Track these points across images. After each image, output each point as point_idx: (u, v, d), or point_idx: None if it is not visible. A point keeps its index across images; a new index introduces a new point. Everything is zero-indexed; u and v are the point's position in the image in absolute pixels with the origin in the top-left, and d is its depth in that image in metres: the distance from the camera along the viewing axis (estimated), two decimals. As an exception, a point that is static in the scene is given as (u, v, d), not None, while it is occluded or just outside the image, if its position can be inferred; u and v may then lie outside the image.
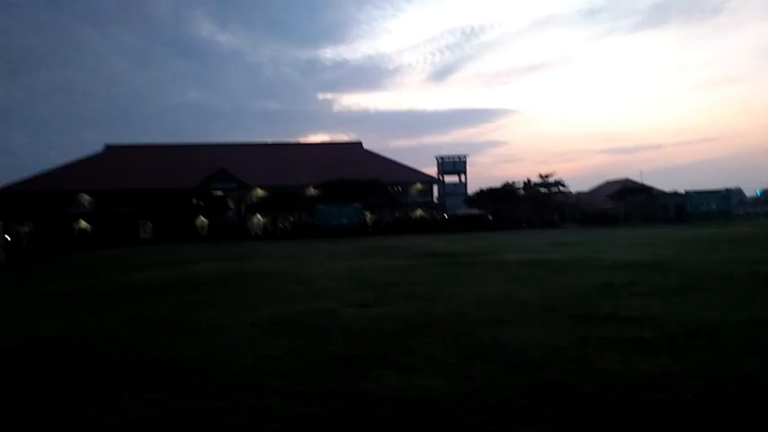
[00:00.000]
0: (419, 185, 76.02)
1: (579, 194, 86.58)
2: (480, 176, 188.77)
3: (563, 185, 73.25)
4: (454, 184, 79.92)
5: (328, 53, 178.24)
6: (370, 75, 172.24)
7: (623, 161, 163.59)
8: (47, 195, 64.67)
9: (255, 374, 5.12)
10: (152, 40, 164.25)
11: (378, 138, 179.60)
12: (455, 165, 79.73)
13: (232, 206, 68.46)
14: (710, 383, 4.32)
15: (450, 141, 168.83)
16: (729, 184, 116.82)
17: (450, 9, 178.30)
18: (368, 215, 65.39)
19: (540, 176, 73.06)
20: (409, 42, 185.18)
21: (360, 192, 61.83)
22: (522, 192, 73.16)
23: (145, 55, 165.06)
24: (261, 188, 69.52)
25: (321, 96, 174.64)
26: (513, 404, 4.09)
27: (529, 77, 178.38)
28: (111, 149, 75.65)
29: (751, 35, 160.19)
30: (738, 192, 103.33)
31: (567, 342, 5.86)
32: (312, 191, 66.87)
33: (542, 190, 72.85)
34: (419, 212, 72.88)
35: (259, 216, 68.74)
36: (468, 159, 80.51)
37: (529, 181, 73.64)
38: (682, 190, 70.60)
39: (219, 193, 66.80)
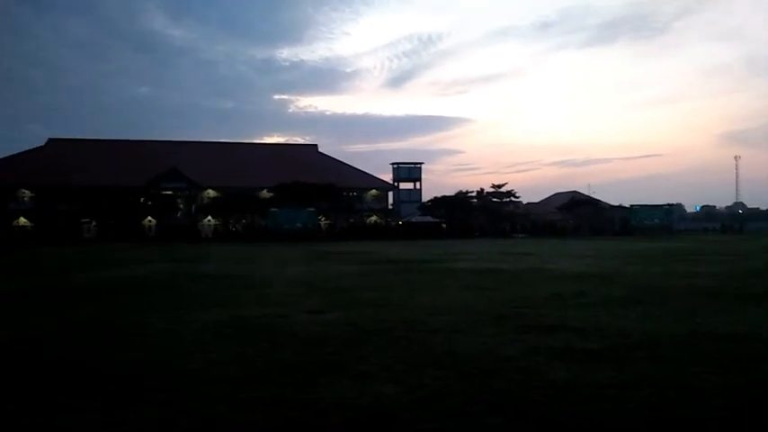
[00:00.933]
0: (374, 191, 76.16)
1: (530, 205, 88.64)
2: (435, 184, 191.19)
3: (515, 196, 74.90)
4: (409, 191, 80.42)
5: (285, 53, 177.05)
6: (327, 77, 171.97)
7: (572, 174, 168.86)
8: (-17, 189, 61.48)
9: (203, 380, 4.98)
10: (102, 31, 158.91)
11: (334, 141, 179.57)
12: (410, 172, 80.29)
13: (182, 207, 66.79)
14: (653, 394, 4.47)
15: (405, 148, 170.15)
16: (672, 199, 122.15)
17: (408, 16, 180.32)
18: (322, 220, 65.03)
19: (493, 186, 74.49)
20: (367, 47, 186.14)
21: (315, 195, 61.41)
22: (475, 201, 74.36)
23: (93, 46, 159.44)
24: (213, 189, 68.08)
25: (277, 97, 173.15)
26: (465, 412, 4.12)
27: (484, 87, 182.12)
28: (54, 143, 72.52)
29: (695, 55, 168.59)
30: (680, 207, 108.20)
31: (517, 351, 5.95)
32: (266, 193, 65.98)
33: (495, 200, 74.26)
34: (374, 218, 73.00)
35: (210, 218, 67.30)
36: (423, 167, 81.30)
37: (482, 190, 74.96)
38: (627, 204, 73.34)
39: (169, 192, 65.06)
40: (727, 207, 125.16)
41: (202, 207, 67.07)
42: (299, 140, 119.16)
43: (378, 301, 9.87)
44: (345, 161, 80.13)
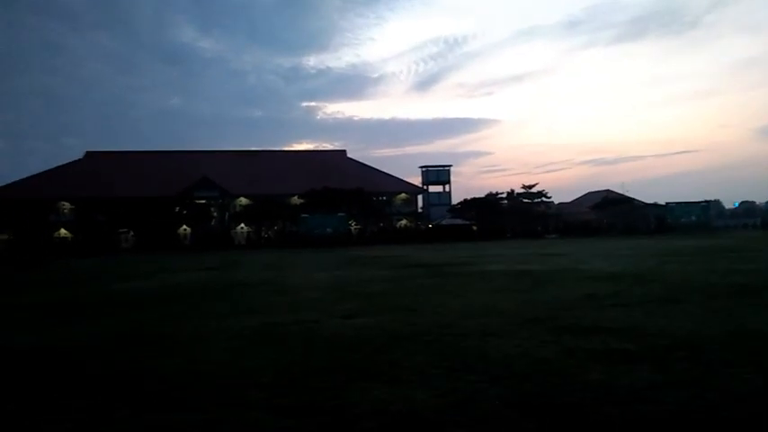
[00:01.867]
0: (403, 195, 76.16)
1: (561, 205, 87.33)
2: (464, 186, 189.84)
3: (546, 196, 73.91)
4: (438, 194, 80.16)
5: (311, 61, 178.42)
6: (353, 83, 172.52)
7: (605, 172, 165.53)
8: (25, 203, 63.65)
9: (238, 387, 5.05)
10: (133, 45, 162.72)
11: (362, 146, 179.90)
12: (439, 174, 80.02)
13: (215, 215, 67.97)
14: (692, 395, 4.36)
15: (433, 151, 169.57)
16: (708, 196, 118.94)
17: (434, 19, 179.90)
18: (352, 225, 65.32)
19: (524, 187, 73.67)
20: (393, 51, 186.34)
21: (344, 201, 61.76)
22: (505, 202, 73.64)
23: (126, 60, 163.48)
24: (244, 197, 69.10)
25: (305, 104, 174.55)
26: (499, 416, 4.09)
27: (511, 88, 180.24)
28: (91, 156, 74.70)
29: (727, 49, 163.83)
30: (717, 204, 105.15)
31: (551, 353, 5.88)
32: (296, 199, 66.64)
33: (525, 200, 73.41)
34: (404, 222, 72.97)
35: (243, 225, 68.29)
36: (451, 169, 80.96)
37: (512, 191, 74.21)
38: (662, 201, 71.69)
39: (202, 201, 66.29)
40: (767, 202, 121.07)
41: (235, 215, 68.14)
42: (328, 146, 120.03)
43: (409, 306, 9.86)
44: (374, 166, 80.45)
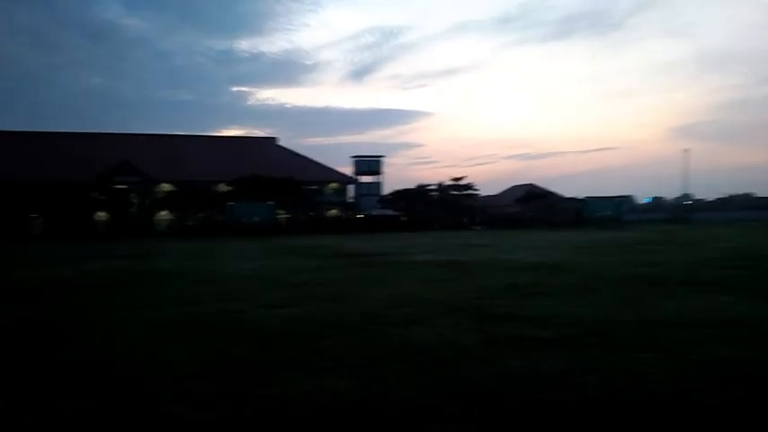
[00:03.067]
0: (334, 185, 75.81)
1: (488, 198, 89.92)
2: (396, 177, 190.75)
3: (473, 189, 75.83)
4: (369, 185, 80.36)
5: (244, 45, 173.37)
6: (286, 69, 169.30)
7: (529, 167, 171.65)
8: None
9: (156, 378, 4.88)
10: (53, 20, 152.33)
11: (293, 134, 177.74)
12: (371, 165, 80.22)
13: (135, 201, 64.99)
14: (603, 380, 4.62)
15: (366, 141, 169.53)
16: (623, 191, 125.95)
17: (370, 8, 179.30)
18: (281, 214, 64.40)
19: (453, 179, 75.22)
20: (328, 39, 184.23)
21: (273, 189, 60.70)
22: (435, 194, 74.94)
23: (42, 36, 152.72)
24: (167, 183, 66.48)
25: (235, 89, 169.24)
26: (421, 403, 4.17)
27: (444, 81, 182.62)
28: (-2, 136, 69.37)
29: (649, 51, 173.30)
30: (631, 199, 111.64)
31: (473, 341, 6.06)
32: (224, 187, 64.86)
33: (454, 193, 75.01)
34: (334, 212, 72.73)
35: (165, 212, 65.73)
36: (383, 160, 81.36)
37: (441, 183, 75.60)
38: (581, 196, 75.24)
39: (122, 186, 63.20)
40: (676, 198, 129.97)
41: (157, 202, 65.44)
42: (258, 133, 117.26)
43: (336, 295, 9.86)
44: (305, 154, 79.44)
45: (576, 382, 4.57)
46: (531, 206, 76.83)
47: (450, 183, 75.30)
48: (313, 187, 71.91)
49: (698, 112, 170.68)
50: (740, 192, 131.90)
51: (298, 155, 79.41)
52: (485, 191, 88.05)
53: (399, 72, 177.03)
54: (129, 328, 7.29)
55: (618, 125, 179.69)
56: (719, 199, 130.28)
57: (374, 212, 68.71)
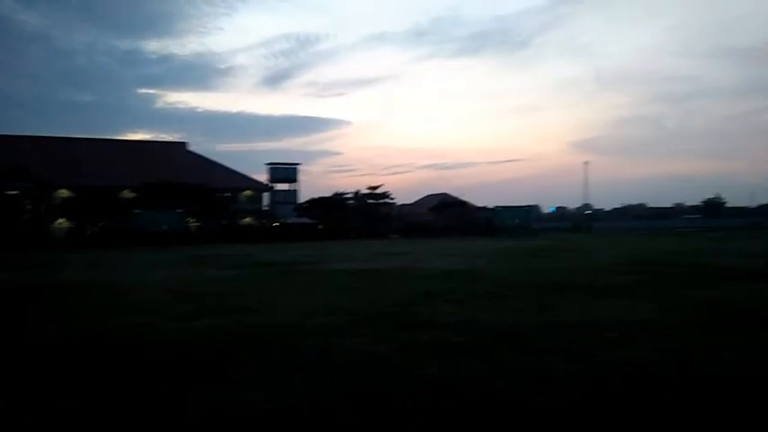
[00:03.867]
0: (248, 192, 74.04)
1: (404, 206, 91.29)
2: (312, 185, 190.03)
3: (390, 197, 76.74)
4: (285, 192, 79.28)
5: (152, 45, 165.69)
6: (198, 72, 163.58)
7: (443, 176, 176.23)
8: None
9: (47, 396, 4.48)
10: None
11: (205, 140, 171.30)
12: (286, 172, 79.18)
13: (29, 208, 60.19)
14: (515, 383, 4.76)
15: (282, 148, 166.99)
16: (531, 201, 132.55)
17: (286, 14, 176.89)
18: (192, 222, 61.99)
19: (369, 188, 75.75)
20: (242, 43, 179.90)
21: (183, 196, 58.32)
22: (351, 202, 75.10)
23: None
24: (66, 188, 62.17)
25: (142, 91, 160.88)
26: (335, 414, 4.10)
27: (361, 90, 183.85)
28: None
29: (552, 69, 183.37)
30: (537, 208, 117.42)
31: (390, 349, 6.06)
32: (128, 193, 61.53)
33: (371, 201, 75.53)
34: (248, 220, 70.98)
35: (63, 220, 61.36)
36: (300, 168, 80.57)
37: (358, 192, 75.92)
38: (492, 205, 78.19)
39: (13, 192, 58.34)
40: (578, 208, 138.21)
41: (53, 209, 60.96)
42: (167, 138, 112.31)
43: (251, 306, 9.58)
44: (218, 160, 77.06)
45: (489, 386, 4.67)
46: (445, 215, 78.83)
47: (367, 191, 75.81)
48: (226, 194, 69.87)
49: (596, 127, 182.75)
50: (635, 202, 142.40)
51: (210, 161, 76.93)
52: (401, 199, 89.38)
53: (316, 80, 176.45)
54: (22, 344, 6.67)
55: (524, 138, 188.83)
56: (616, 209, 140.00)
57: (290, 221, 67.84)
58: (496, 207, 75.37)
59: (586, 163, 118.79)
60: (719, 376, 4.86)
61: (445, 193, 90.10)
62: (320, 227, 66.40)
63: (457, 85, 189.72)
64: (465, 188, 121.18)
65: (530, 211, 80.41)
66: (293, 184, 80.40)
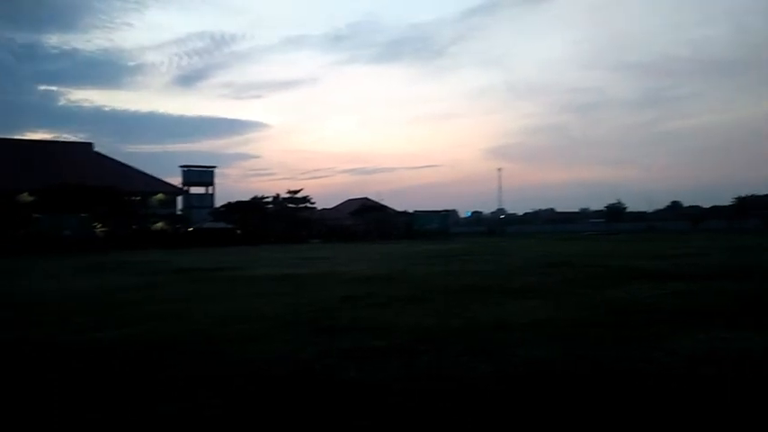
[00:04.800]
0: (161, 196, 70.93)
1: (324, 211, 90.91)
2: (229, 189, 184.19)
3: (310, 202, 76.11)
4: (201, 196, 76.67)
5: (53, 39, 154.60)
6: (105, 69, 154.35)
7: (364, 181, 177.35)
8: None
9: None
10: None
11: (114, 140, 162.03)
12: (202, 175, 76.62)
13: None
14: (433, 387, 4.84)
15: (197, 150, 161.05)
16: (448, 206, 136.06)
17: (200, 13, 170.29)
18: (98, 227, 58.55)
19: (289, 192, 74.82)
20: (153, 41, 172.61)
21: (89, 200, 54.99)
22: (271, 206, 73.83)
23: None
24: (-46, 191, 56.87)
25: (42, 88, 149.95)
26: (254, 425, 3.99)
27: (280, 93, 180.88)
28: None
29: (466, 78, 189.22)
30: (454, 213, 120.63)
31: (310, 355, 6.00)
32: (27, 197, 57.20)
33: (291, 205, 74.60)
34: (160, 225, 67.96)
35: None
36: (216, 171, 78.19)
37: (278, 196, 74.76)
38: (411, 210, 79.57)
39: None
40: (492, 213, 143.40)
41: (-61, 213, 55.54)
42: (71, 138, 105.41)
43: (165, 314, 9.16)
44: (128, 162, 73.32)
45: (410, 389, 4.72)
46: (366, 219, 79.28)
47: (287, 195, 74.86)
48: (136, 198, 66.63)
49: (509, 135, 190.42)
50: (545, 207, 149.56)
51: (119, 162, 73.07)
52: (321, 204, 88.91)
53: (232, 81, 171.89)
54: None
55: (441, 144, 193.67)
56: (528, 213, 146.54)
57: (206, 225, 65.62)
58: (415, 211, 76.82)
59: (500, 169, 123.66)
60: (624, 372, 5.18)
61: (366, 198, 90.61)
62: (238, 232, 64.76)
63: (376, 90, 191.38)
64: (385, 193, 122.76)
65: (447, 216, 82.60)
66: (209, 188, 77.95)
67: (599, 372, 5.16)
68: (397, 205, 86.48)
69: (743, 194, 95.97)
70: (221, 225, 65.31)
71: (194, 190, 76.62)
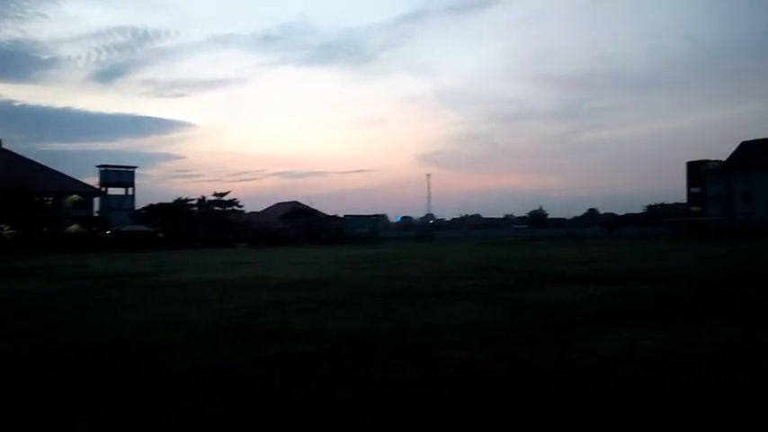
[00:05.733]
0: (76, 197, 67.10)
1: (253, 214, 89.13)
2: (151, 191, 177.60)
3: (238, 205, 74.34)
4: (120, 198, 73.17)
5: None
6: (15, 62, 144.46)
7: (294, 184, 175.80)
8: None
9: None
10: None
11: (24, 138, 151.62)
12: (121, 176, 73.15)
13: None
14: (362, 390, 4.81)
15: (116, 150, 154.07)
16: (378, 210, 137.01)
17: (121, 6, 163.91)
18: (6, 229, 54.61)
19: (216, 194, 72.78)
20: (70, 33, 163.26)
21: (-4, 200, 51.24)
22: (196, 209, 71.52)
23: None
24: None
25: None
26: (179, 436, 3.83)
27: (206, 93, 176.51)
28: None
29: (397, 84, 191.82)
30: (384, 218, 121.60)
31: (236, 363, 5.82)
32: (-77, 197, 52.51)
33: (217, 208, 72.56)
34: (75, 227, 64.24)
35: None
36: (137, 171, 74.89)
37: (204, 198, 72.55)
38: (341, 214, 79.44)
39: None
40: (421, 218, 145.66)
41: None
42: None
43: (82, 322, 8.65)
44: (39, 161, 68.84)
45: (338, 394, 4.67)
46: (296, 223, 78.37)
47: (213, 198, 72.84)
48: (48, 199, 62.77)
49: (438, 142, 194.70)
50: (472, 213, 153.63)
51: (29, 161, 68.53)
52: (250, 207, 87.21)
53: (155, 78, 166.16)
54: None
55: (373, 149, 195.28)
56: (456, 219, 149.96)
57: (125, 228, 62.64)
58: (346, 216, 76.73)
59: (429, 175, 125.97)
60: (542, 372, 5.36)
61: (296, 202, 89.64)
62: (160, 235, 62.29)
63: (307, 93, 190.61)
64: (315, 197, 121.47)
65: (377, 221, 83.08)
66: (129, 189, 74.55)
67: (523, 373, 5.31)
68: (328, 210, 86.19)
69: (653, 203, 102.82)
70: (142, 228, 62.54)
71: (113, 191, 73.08)
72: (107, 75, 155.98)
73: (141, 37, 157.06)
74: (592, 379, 5.05)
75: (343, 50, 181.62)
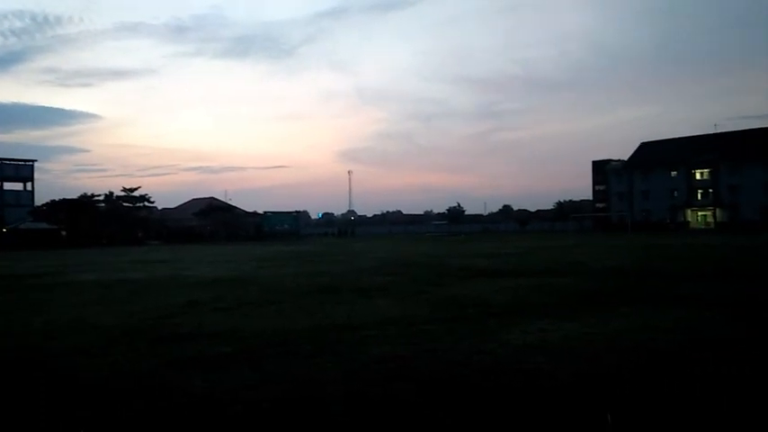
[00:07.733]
0: (-34, 192, 61.70)
1: (165, 211, 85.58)
2: (52, 186, 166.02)
3: (149, 201, 71.11)
4: (17, 193, 68.03)
5: None
6: None
7: (210, 180, 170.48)
8: None
9: None
10: None
11: None
12: (18, 170, 68.01)
13: None
14: (284, 390, 4.75)
15: (12, 141, 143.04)
16: (299, 207, 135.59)
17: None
18: None
19: (124, 190, 69.23)
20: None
21: None
22: (103, 205, 67.73)
23: None
24: None
25: None
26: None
27: (113, 83, 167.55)
28: None
29: (317, 80, 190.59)
30: (305, 214, 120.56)
31: (149, 366, 5.57)
32: None
33: (126, 204, 69.07)
34: (-35, 225, 58.95)
35: None
36: (36, 165, 69.90)
37: (111, 194, 68.81)
38: (261, 210, 77.93)
39: None
40: (343, 214, 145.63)
41: None
42: None
43: (-31, 329, 7.93)
44: None
45: (258, 396, 4.58)
46: (212, 219, 76.04)
47: (122, 193, 69.32)
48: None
49: (360, 139, 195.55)
50: (392, 209, 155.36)
51: None
52: (163, 203, 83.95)
53: (57, 66, 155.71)
54: None
55: (293, 145, 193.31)
56: (377, 215, 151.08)
57: (24, 226, 58.25)
58: (265, 212, 75.35)
59: (350, 172, 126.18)
60: (461, 364, 5.51)
61: (212, 198, 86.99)
62: (63, 233, 58.47)
63: (223, 86, 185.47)
64: (233, 193, 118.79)
65: (298, 217, 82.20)
66: (28, 184, 69.47)
67: (439, 365, 5.44)
68: (247, 206, 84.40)
69: (562, 200, 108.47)
70: (43, 226, 58.39)
71: (9, 186, 67.82)
72: (3, 61, 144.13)
73: (41, 22, 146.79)
74: (504, 369, 5.25)
75: (259, 44, 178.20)
